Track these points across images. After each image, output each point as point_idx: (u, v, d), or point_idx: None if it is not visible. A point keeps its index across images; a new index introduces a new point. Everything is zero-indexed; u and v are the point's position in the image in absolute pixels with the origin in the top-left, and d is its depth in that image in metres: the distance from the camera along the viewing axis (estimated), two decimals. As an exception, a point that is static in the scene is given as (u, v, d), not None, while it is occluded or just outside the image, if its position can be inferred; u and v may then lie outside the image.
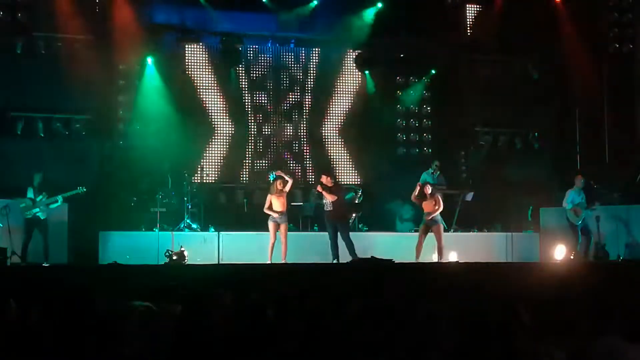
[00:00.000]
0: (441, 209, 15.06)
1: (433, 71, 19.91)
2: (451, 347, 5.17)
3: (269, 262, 14.19)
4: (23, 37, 16.82)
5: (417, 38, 19.31)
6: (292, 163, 19.36)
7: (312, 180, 18.71)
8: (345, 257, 14.48)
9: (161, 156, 17.29)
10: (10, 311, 5.95)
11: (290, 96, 19.54)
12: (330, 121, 19.65)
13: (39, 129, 16.94)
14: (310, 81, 19.63)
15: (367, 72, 19.52)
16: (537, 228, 17.35)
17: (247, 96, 19.23)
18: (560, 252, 15.66)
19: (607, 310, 5.39)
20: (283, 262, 14.20)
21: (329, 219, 14.82)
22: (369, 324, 5.84)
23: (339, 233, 14.68)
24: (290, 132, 19.49)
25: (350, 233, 14.93)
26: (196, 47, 18.70)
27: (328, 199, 14.70)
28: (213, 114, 18.84)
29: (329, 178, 14.95)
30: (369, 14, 19.02)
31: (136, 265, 12.68)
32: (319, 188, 14.86)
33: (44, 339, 5.42)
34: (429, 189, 15.04)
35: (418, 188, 15.14)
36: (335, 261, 14.38)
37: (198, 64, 18.83)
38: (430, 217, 14.85)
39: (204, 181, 17.93)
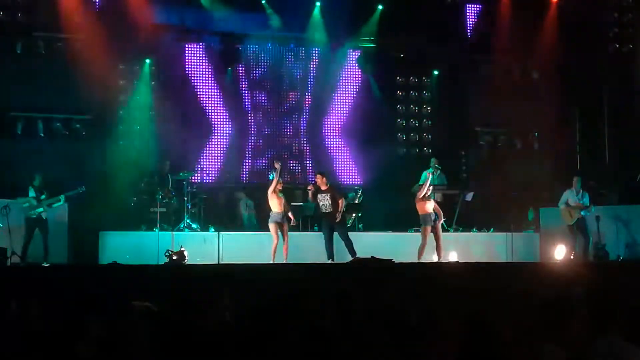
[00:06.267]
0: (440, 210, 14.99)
1: (434, 72, 19.89)
2: (451, 347, 5.17)
3: (272, 262, 14.12)
4: (23, 37, 16.82)
5: (418, 38, 19.29)
6: (292, 163, 19.34)
7: (313, 180, 18.69)
8: (341, 257, 14.43)
9: (161, 156, 17.28)
10: (10, 311, 5.95)
11: (291, 96, 19.53)
12: (330, 121, 19.63)
13: (39, 129, 16.95)
14: (311, 81, 19.62)
15: (368, 72, 19.52)
16: (537, 228, 17.33)
17: (247, 96, 19.21)
18: (560, 252, 15.63)
19: (607, 310, 5.39)
20: (285, 261, 14.17)
21: (326, 220, 14.74)
22: (369, 324, 5.84)
23: (335, 233, 14.63)
24: (290, 132, 19.48)
25: (350, 233, 14.90)
26: (196, 47, 18.69)
27: (340, 205, 14.60)
28: (213, 114, 18.82)
29: (324, 179, 14.86)
30: (370, 14, 19.00)
31: (136, 265, 12.68)
32: (340, 200, 14.66)
33: (43, 338, 5.42)
34: (429, 189, 14.99)
35: (427, 186, 14.81)
36: (330, 261, 14.33)
37: (198, 64, 18.81)
38: (432, 217, 14.78)
39: (204, 181, 17.90)
